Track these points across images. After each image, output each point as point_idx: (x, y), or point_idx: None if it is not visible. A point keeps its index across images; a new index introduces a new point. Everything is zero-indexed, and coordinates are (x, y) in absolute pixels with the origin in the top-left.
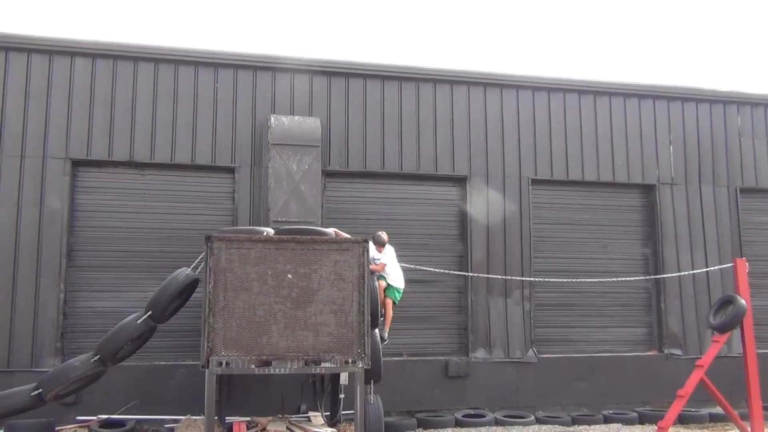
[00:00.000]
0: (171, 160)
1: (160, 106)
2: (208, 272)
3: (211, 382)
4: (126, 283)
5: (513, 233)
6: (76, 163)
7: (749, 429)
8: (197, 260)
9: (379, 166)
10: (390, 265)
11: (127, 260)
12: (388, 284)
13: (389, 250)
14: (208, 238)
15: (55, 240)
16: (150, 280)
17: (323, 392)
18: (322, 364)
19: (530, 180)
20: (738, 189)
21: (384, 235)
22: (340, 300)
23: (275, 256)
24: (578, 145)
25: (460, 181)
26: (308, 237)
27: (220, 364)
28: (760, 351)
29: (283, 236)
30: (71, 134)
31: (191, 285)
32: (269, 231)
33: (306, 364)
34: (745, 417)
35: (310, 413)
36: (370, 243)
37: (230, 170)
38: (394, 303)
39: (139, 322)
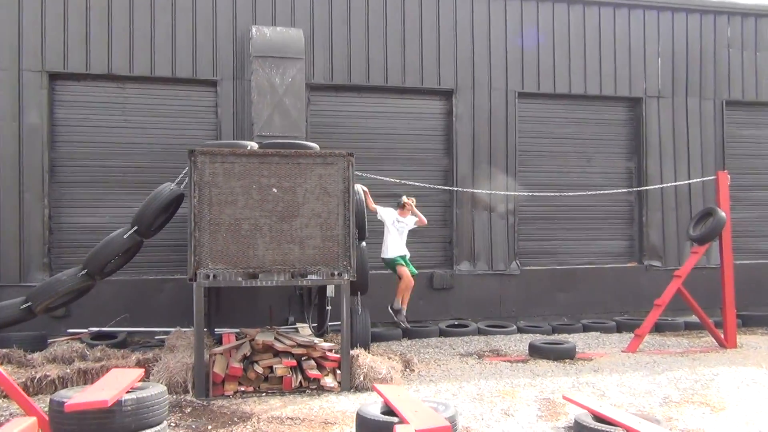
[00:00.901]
0: (151, 73)
1: (137, 16)
2: (192, 187)
3: (199, 295)
4: (110, 198)
5: (498, 147)
6: (54, 77)
7: (723, 337)
8: (181, 175)
9: (364, 79)
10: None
11: (110, 176)
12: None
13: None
14: (192, 152)
15: (36, 155)
16: (134, 195)
17: (310, 304)
18: (308, 277)
19: (517, 93)
20: (724, 102)
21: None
22: (325, 213)
23: (259, 170)
24: (566, 58)
25: (446, 94)
26: (292, 151)
27: (208, 277)
28: (737, 262)
29: (267, 150)
30: (46, 46)
31: (176, 200)
32: (253, 145)
33: (292, 277)
34: (719, 325)
35: (298, 325)
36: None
37: (212, 83)
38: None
39: (125, 236)
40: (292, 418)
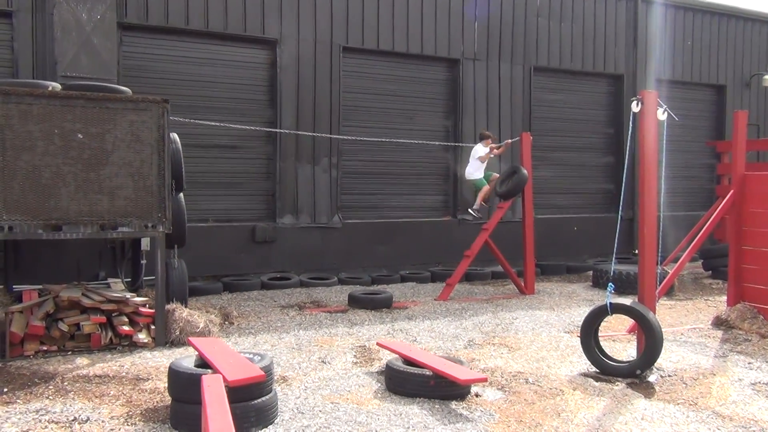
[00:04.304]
0: None
1: None
2: None
3: None
4: None
5: (323, 101)
6: None
7: (523, 284)
8: None
9: (183, 22)
10: None
11: None
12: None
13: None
14: None
15: None
16: None
17: (124, 258)
18: (119, 229)
19: (341, 47)
20: (532, 67)
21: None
22: (138, 163)
23: (62, 113)
24: (390, 15)
25: (271, 44)
26: (100, 94)
27: (2, 228)
28: (537, 217)
29: (71, 92)
30: None
31: None
32: (56, 86)
33: (102, 229)
34: (521, 274)
35: (110, 280)
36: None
37: (7, 14)
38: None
39: None
40: (100, 376)
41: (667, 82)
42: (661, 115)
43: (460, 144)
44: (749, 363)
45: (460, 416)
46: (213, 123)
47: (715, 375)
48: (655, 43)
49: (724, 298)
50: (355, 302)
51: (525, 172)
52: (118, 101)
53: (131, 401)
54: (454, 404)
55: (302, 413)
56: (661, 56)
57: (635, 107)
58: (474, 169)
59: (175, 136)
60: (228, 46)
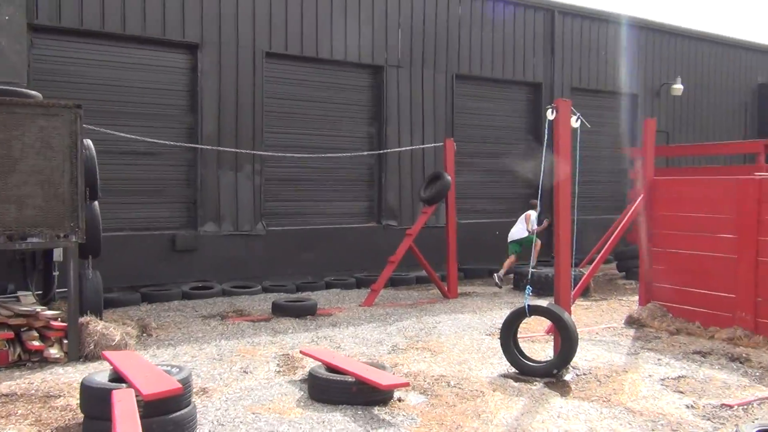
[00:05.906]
0: None
1: None
2: None
3: None
4: None
5: (246, 106)
6: None
7: (446, 288)
8: None
9: (99, 25)
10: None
11: None
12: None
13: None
14: None
15: None
16: None
17: (34, 270)
18: (29, 240)
19: (264, 53)
20: (454, 75)
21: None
22: (48, 170)
23: None
24: (314, 21)
25: (191, 48)
26: (6, 98)
27: None
28: (461, 221)
29: None
30: None
31: None
32: None
33: (9, 240)
34: (445, 279)
35: (20, 293)
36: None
37: None
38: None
39: None
40: (7, 395)
41: (583, 91)
42: (575, 122)
43: (384, 150)
44: (659, 359)
45: (383, 421)
46: (126, 135)
47: (627, 372)
48: (571, 53)
49: (637, 297)
50: (279, 310)
51: (448, 177)
52: (27, 106)
53: (41, 420)
54: (376, 410)
55: (222, 425)
56: (576, 66)
57: (550, 115)
58: (523, 231)
59: (88, 142)
60: (146, 49)
